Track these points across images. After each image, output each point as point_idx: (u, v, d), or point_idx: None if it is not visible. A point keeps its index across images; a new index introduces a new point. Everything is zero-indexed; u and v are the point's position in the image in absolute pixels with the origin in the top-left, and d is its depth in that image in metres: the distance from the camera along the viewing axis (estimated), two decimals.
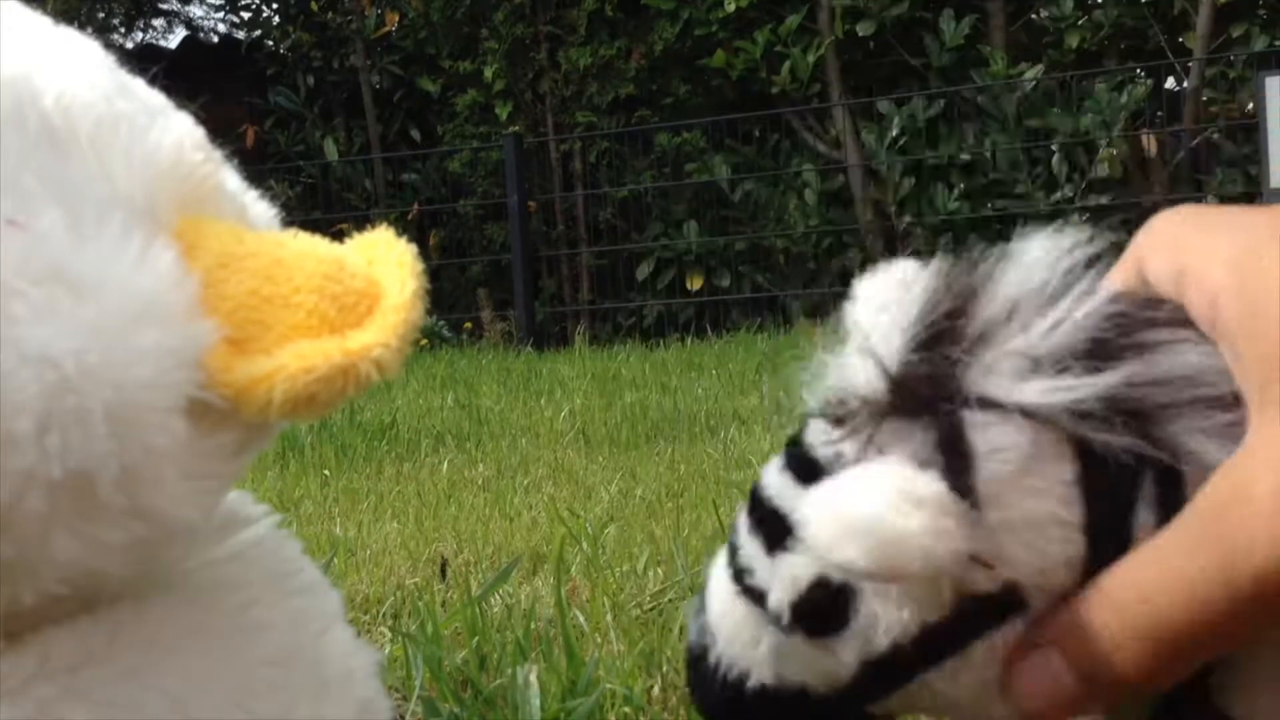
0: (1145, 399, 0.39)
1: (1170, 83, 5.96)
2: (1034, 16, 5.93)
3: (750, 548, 0.44)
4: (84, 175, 0.36)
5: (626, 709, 0.86)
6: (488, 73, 6.17)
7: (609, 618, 1.06)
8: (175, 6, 7.26)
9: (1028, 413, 0.38)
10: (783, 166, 5.91)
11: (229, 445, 0.37)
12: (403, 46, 6.54)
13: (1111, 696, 0.39)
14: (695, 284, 5.88)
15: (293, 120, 6.68)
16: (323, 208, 6.27)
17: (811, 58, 5.79)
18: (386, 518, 1.67)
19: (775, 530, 0.43)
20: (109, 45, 0.43)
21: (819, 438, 0.43)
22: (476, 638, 0.99)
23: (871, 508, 0.37)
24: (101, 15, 6.68)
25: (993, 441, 0.38)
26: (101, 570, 0.35)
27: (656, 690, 0.90)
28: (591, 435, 2.38)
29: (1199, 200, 5.38)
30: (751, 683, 0.44)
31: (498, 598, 1.15)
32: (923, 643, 0.40)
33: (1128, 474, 0.38)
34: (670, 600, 1.11)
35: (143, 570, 0.38)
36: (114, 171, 0.36)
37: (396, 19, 6.48)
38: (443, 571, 1.29)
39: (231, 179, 0.42)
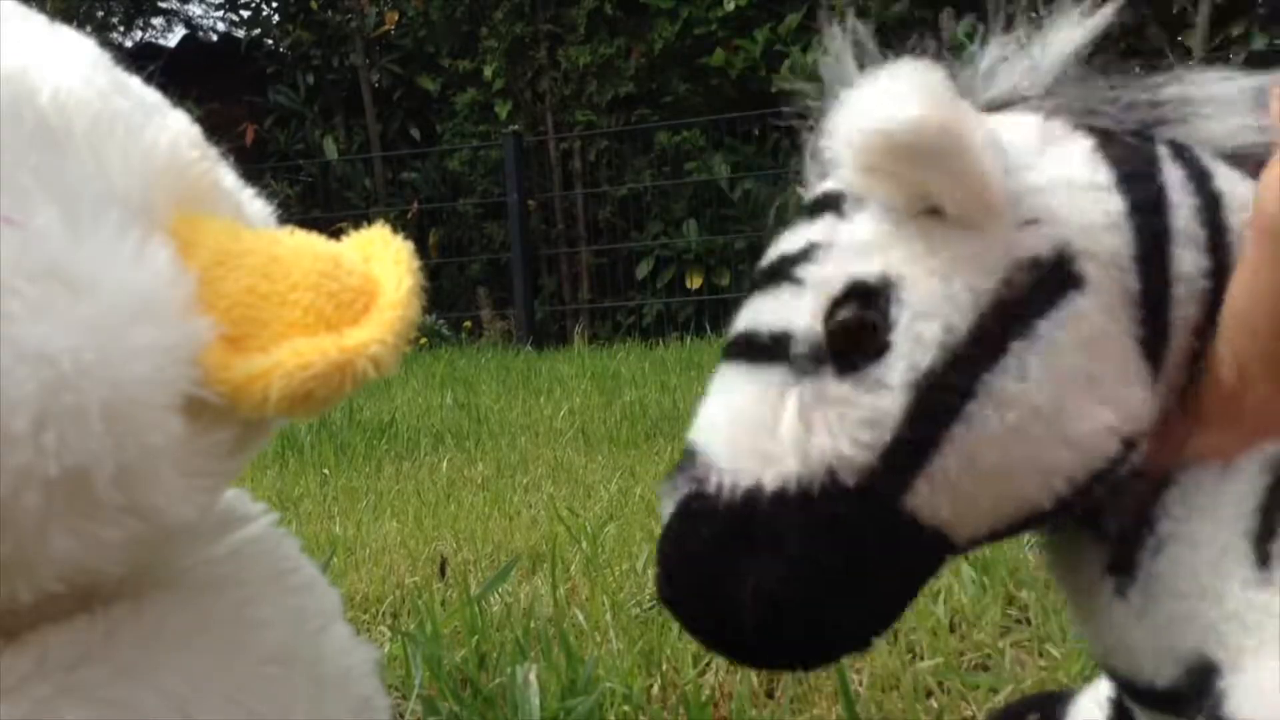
0: (1146, 101, 0.41)
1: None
2: (1033, 14, 5.92)
3: (759, 305, 0.41)
4: (80, 173, 0.36)
5: (626, 708, 0.86)
6: (487, 71, 6.17)
7: (608, 617, 1.06)
8: (174, 5, 7.26)
9: (1037, 106, 0.40)
10: (783, 165, 5.91)
11: (226, 443, 0.37)
12: (402, 45, 6.53)
13: None
14: (695, 283, 5.87)
15: (292, 119, 6.67)
16: (322, 206, 6.27)
17: (811, 57, 5.78)
18: (386, 516, 1.66)
19: (787, 267, 0.40)
20: (108, 44, 0.43)
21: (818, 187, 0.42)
22: (476, 636, 0.99)
23: (901, 91, 0.36)
24: (101, 14, 6.67)
25: (1007, 128, 0.39)
26: (98, 568, 0.35)
27: (656, 689, 0.90)
28: (591, 434, 2.38)
29: None
30: (770, 487, 0.38)
31: (497, 597, 1.15)
32: (981, 332, 0.37)
33: (1141, 147, 0.40)
34: None
35: (140, 568, 0.38)
36: (110, 169, 0.36)
37: (396, 17, 6.48)
38: (442, 570, 1.29)
39: (228, 176, 0.42)
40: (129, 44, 6.79)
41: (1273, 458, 0.38)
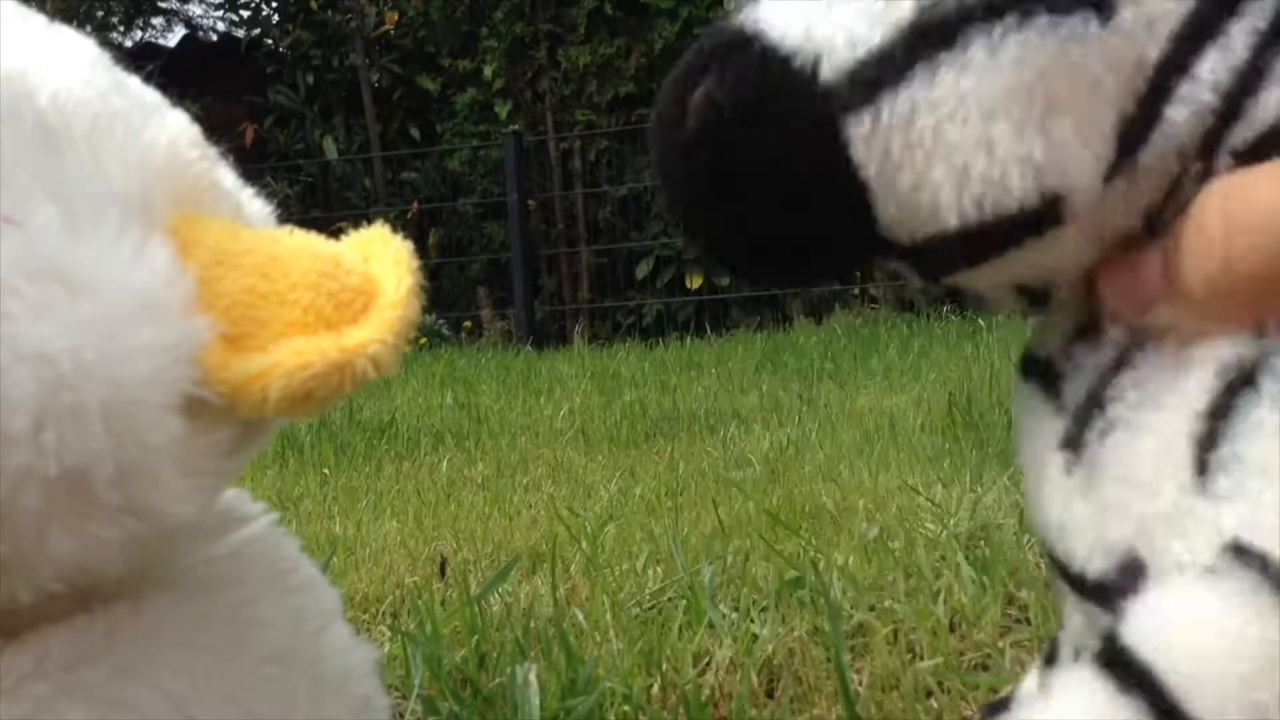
0: None
1: None
2: None
3: None
4: (79, 172, 0.36)
5: (626, 708, 0.86)
6: (487, 71, 6.17)
7: (608, 616, 1.06)
8: (174, 5, 7.26)
9: None
10: None
11: (225, 442, 0.37)
12: (402, 45, 6.53)
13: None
14: (695, 283, 5.87)
15: (292, 118, 6.67)
16: (322, 206, 6.27)
17: None
18: (386, 516, 1.66)
19: None
20: (108, 43, 0.43)
21: None
22: (476, 636, 0.99)
23: None
24: (101, 14, 6.67)
25: None
26: (98, 567, 0.35)
27: (656, 689, 0.90)
28: (591, 434, 2.38)
29: None
30: (768, 37, 0.39)
31: (497, 596, 1.15)
32: None
33: None
34: (670, 599, 1.11)
35: (139, 567, 0.38)
36: (109, 168, 0.36)
37: (396, 17, 6.48)
38: (442, 570, 1.29)
39: (227, 176, 0.42)
40: (129, 44, 6.79)
41: (1229, 362, 0.37)
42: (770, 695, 0.90)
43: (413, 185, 6.46)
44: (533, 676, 0.87)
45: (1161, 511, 0.37)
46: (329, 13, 6.51)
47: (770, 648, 0.94)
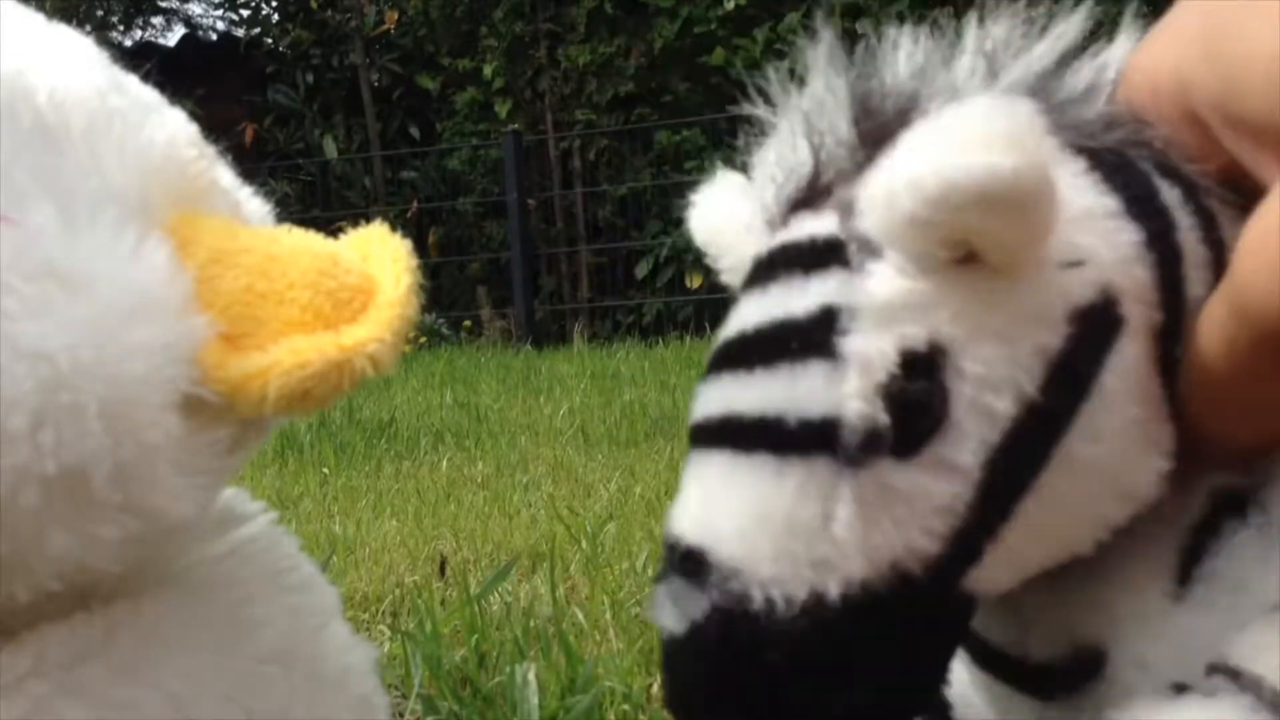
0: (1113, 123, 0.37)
1: None
2: (1031, 14, 5.92)
3: (767, 385, 0.34)
4: (77, 171, 0.36)
5: (625, 707, 0.86)
6: (487, 70, 6.17)
7: (608, 616, 1.06)
8: (174, 4, 7.26)
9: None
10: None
11: (224, 441, 0.37)
12: (402, 44, 6.54)
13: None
14: (695, 282, 5.87)
15: (291, 118, 6.67)
16: (322, 205, 6.27)
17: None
18: (385, 515, 1.66)
19: (805, 337, 0.34)
20: (107, 43, 0.43)
21: (797, 231, 0.36)
22: (475, 636, 0.99)
23: (990, 134, 0.31)
24: (100, 13, 6.67)
25: None
26: (96, 566, 0.35)
27: (655, 688, 0.90)
28: (591, 433, 2.38)
29: None
30: (835, 594, 0.33)
31: (497, 596, 1.15)
32: (1051, 396, 0.33)
33: (1125, 160, 0.37)
34: None
35: (138, 566, 0.38)
36: (107, 167, 0.36)
37: (396, 17, 6.48)
38: (442, 569, 1.29)
39: (225, 175, 0.42)
40: (128, 43, 6.79)
41: (1222, 486, 0.37)
42: None
43: (412, 184, 6.46)
44: (532, 675, 0.87)
45: (1139, 609, 0.37)
46: (329, 12, 6.51)
47: None
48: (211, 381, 0.35)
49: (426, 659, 0.92)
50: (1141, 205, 0.36)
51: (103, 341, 0.32)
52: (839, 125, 0.38)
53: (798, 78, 0.40)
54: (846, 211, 0.35)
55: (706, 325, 5.44)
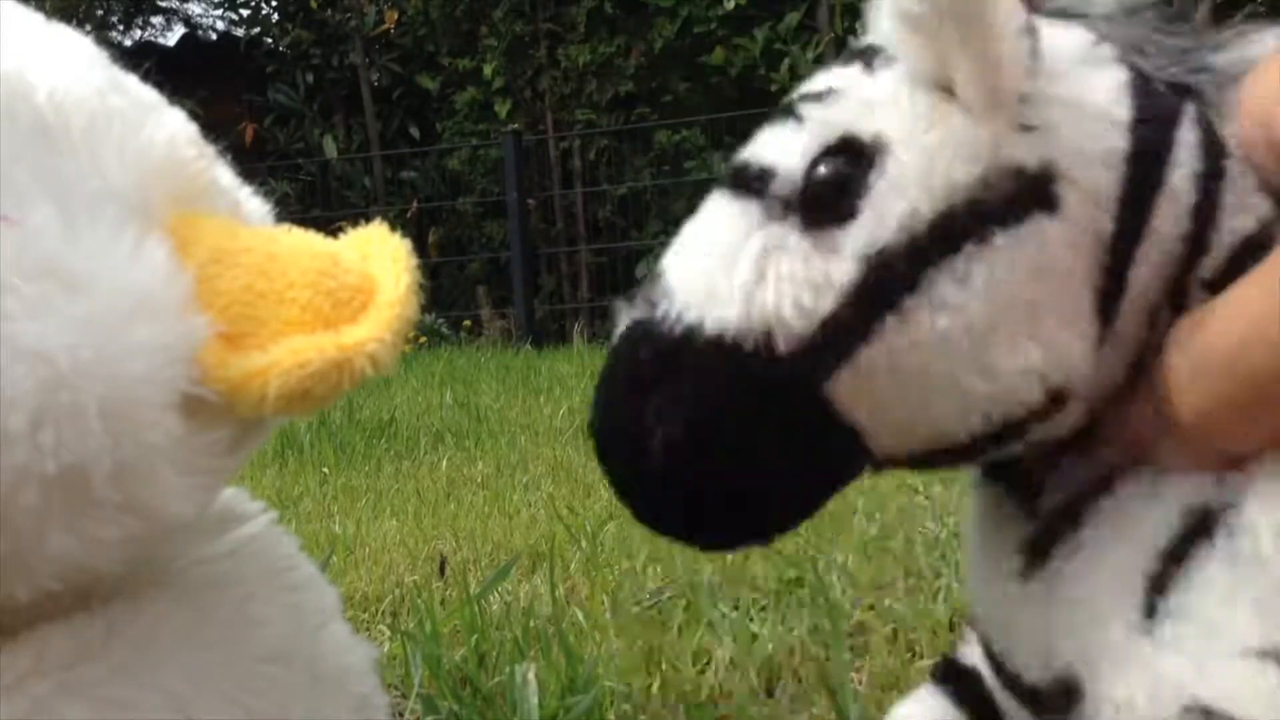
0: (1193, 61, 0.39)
1: None
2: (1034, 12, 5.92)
3: (763, 137, 0.39)
4: (77, 171, 0.36)
5: (625, 706, 0.86)
6: (487, 70, 6.16)
7: (608, 615, 1.06)
8: (174, 4, 7.25)
9: (1092, 26, 0.39)
10: None
11: (224, 441, 0.37)
12: (402, 44, 6.53)
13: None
14: None
15: (291, 118, 6.67)
16: (322, 205, 6.26)
17: (811, 55, 5.78)
18: (385, 515, 1.66)
19: (798, 104, 0.38)
20: (107, 43, 0.43)
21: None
22: (475, 635, 0.98)
23: None
24: (100, 13, 6.67)
25: (1055, 34, 0.38)
26: (96, 566, 0.35)
27: (655, 688, 0.90)
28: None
29: None
30: (708, 330, 0.37)
31: (496, 595, 1.15)
32: (942, 225, 0.35)
33: (1170, 99, 0.38)
34: (669, 598, 1.11)
35: (138, 566, 0.38)
36: (107, 167, 0.36)
37: (396, 16, 6.48)
38: (441, 569, 1.29)
39: (225, 175, 0.42)
40: (128, 43, 6.78)
41: (1193, 504, 0.37)
42: (770, 694, 0.89)
43: (412, 184, 6.45)
44: (532, 675, 0.86)
45: (1108, 643, 0.37)
46: (328, 11, 6.51)
47: (770, 647, 0.94)
48: (211, 381, 0.35)
49: (426, 659, 0.92)
50: (1147, 126, 0.37)
51: (103, 341, 0.32)
52: None
53: None
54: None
55: None
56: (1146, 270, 0.37)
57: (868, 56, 0.40)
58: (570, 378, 3.42)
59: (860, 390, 0.37)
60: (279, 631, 0.42)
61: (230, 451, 0.38)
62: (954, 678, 0.51)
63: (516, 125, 5.96)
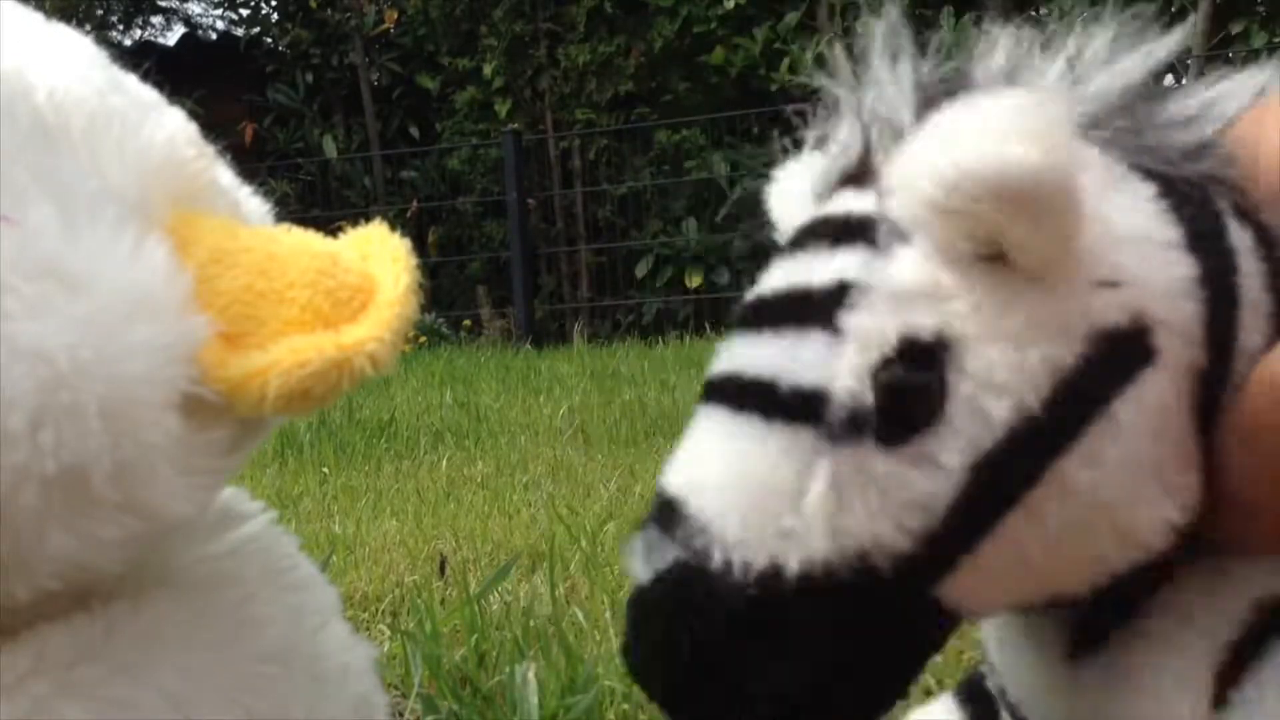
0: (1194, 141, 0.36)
1: (1169, 79, 5.97)
2: (1033, 13, 5.93)
3: (771, 347, 0.34)
4: (76, 170, 0.36)
5: (625, 706, 0.86)
6: (487, 70, 6.17)
7: (608, 615, 1.06)
8: (174, 4, 7.25)
9: (1088, 134, 0.35)
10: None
11: (223, 440, 0.37)
12: (402, 43, 6.54)
13: None
14: (694, 281, 5.87)
15: (291, 117, 6.67)
16: (321, 205, 6.26)
17: (811, 54, 5.78)
18: (385, 515, 1.66)
19: (816, 308, 0.34)
20: (107, 42, 0.43)
21: (840, 206, 0.36)
22: (475, 635, 0.98)
23: (993, 124, 0.30)
24: (100, 12, 6.67)
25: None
26: (96, 566, 0.35)
27: None
28: (590, 433, 2.38)
29: None
30: (793, 570, 0.32)
31: (496, 595, 1.15)
32: (1055, 412, 0.32)
33: (1202, 193, 0.35)
34: None
35: (138, 566, 0.38)
36: (107, 167, 0.36)
37: (395, 16, 6.48)
38: (441, 569, 1.29)
39: (225, 174, 0.42)
40: (128, 42, 6.78)
41: (1263, 597, 0.35)
42: None
43: (412, 184, 6.45)
44: (532, 675, 0.86)
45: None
46: (328, 11, 6.51)
47: None
48: (211, 381, 0.35)
49: (426, 658, 0.92)
50: (1205, 241, 0.34)
51: (102, 341, 0.32)
52: (899, 111, 0.37)
53: (857, 57, 0.39)
54: (885, 193, 0.35)
55: (706, 325, 5.44)
56: (1237, 384, 0.35)
57: (864, 231, 0.35)
58: (570, 377, 3.42)
59: (978, 583, 0.34)
60: (279, 631, 0.42)
61: (230, 451, 0.38)
62: (977, 698, 0.49)
63: (516, 125, 5.96)
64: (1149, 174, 0.35)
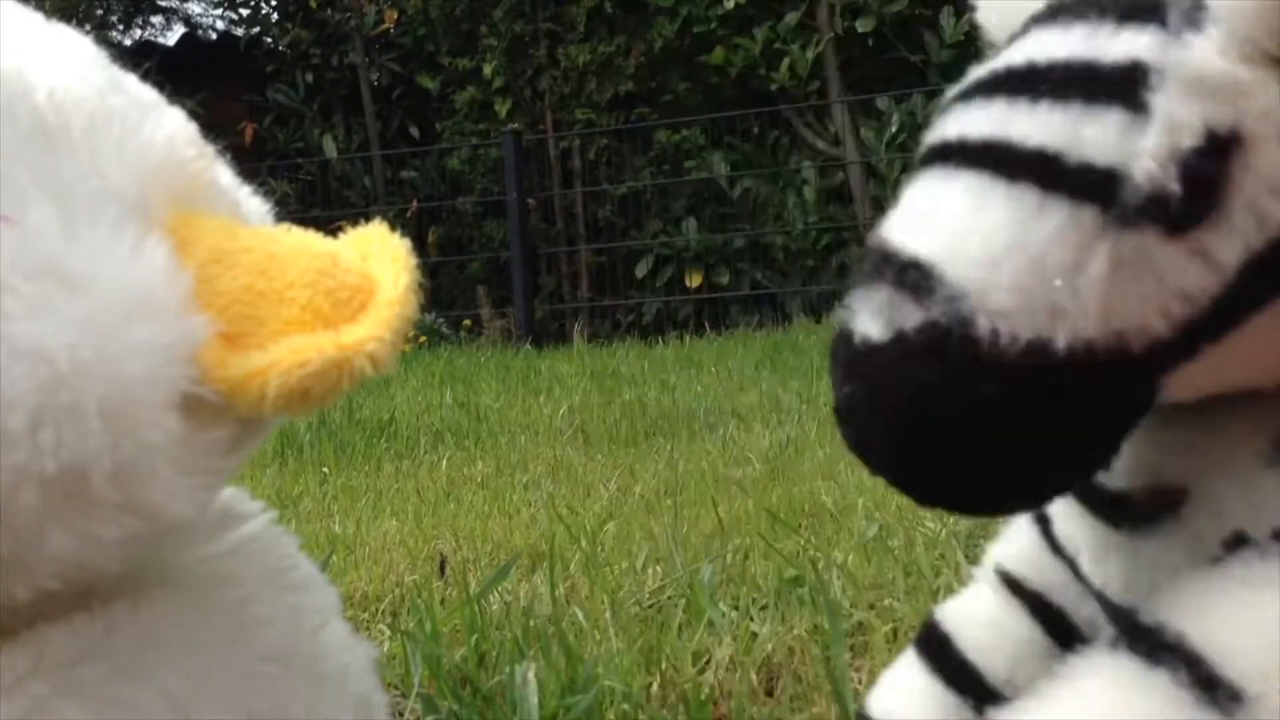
0: None
1: None
2: None
3: (1050, 113, 0.33)
4: (76, 170, 0.36)
5: (625, 706, 0.86)
6: (487, 70, 6.17)
7: (608, 615, 1.06)
8: (174, 4, 7.25)
9: None
10: (782, 163, 5.91)
11: (223, 440, 0.37)
12: (402, 43, 6.53)
13: None
14: (694, 281, 5.87)
15: (291, 117, 6.67)
16: (321, 205, 6.26)
17: (810, 54, 5.78)
18: (385, 515, 1.66)
19: (1108, 82, 0.33)
20: (107, 42, 0.43)
21: None
22: (475, 635, 0.98)
23: None
24: (100, 12, 6.66)
25: None
26: (96, 566, 0.35)
27: (655, 687, 0.90)
28: (590, 433, 2.38)
29: None
30: (1062, 346, 0.32)
31: (496, 595, 1.15)
32: None
33: None
34: (669, 598, 1.11)
35: (138, 566, 0.38)
36: (107, 167, 0.36)
37: (395, 16, 6.48)
38: (441, 569, 1.29)
39: (225, 174, 0.42)
40: (128, 42, 6.78)
41: None
42: (770, 694, 0.89)
43: (412, 184, 6.45)
44: (532, 675, 0.86)
45: (1230, 463, 0.36)
46: (328, 11, 6.51)
47: (770, 646, 0.94)
48: (211, 381, 0.35)
49: (426, 658, 0.92)
50: None
51: (102, 341, 0.32)
52: None
53: None
54: None
55: (706, 325, 5.44)
56: None
57: (1153, 11, 0.34)
58: (570, 377, 3.42)
59: (1203, 373, 0.34)
60: (279, 631, 0.42)
61: (230, 451, 0.38)
62: (932, 643, 0.51)
63: (516, 125, 5.96)
64: None
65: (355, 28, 6.47)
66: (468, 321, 5.94)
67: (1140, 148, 0.32)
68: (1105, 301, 0.32)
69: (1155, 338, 0.33)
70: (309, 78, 6.63)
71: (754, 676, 0.90)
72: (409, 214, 6.20)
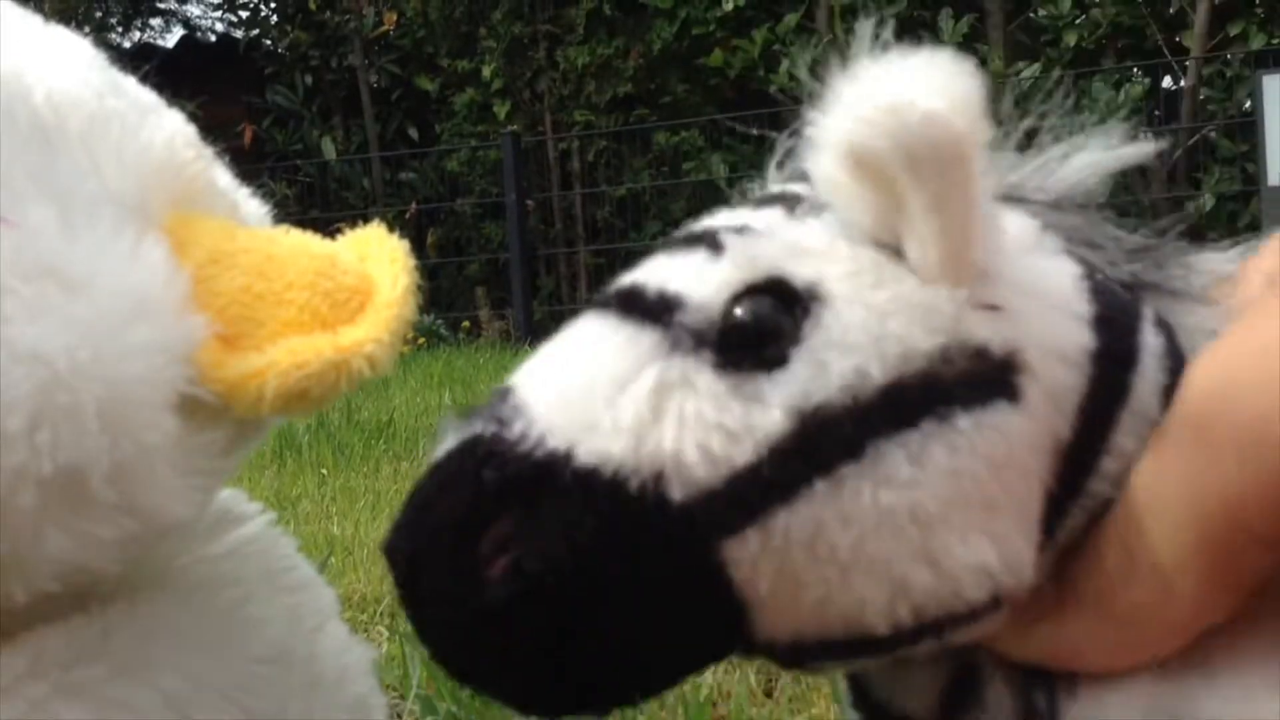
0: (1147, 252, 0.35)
1: (1168, 81, 5.97)
2: (1032, 15, 5.93)
3: (659, 262, 0.34)
4: (75, 172, 0.36)
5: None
6: (486, 72, 6.17)
7: None
8: (173, 5, 7.26)
9: (1040, 211, 0.35)
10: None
11: (221, 441, 0.37)
12: (401, 45, 6.54)
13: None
14: None
15: (290, 119, 6.67)
16: (320, 207, 6.27)
17: (810, 56, 5.79)
18: (384, 516, 1.66)
19: (711, 234, 0.34)
20: (106, 44, 0.43)
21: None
22: None
23: (933, 84, 0.30)
24: (99, 14, 6.67)
25: (1008, 221, 0.34)
26: (94, 566, 0.35)
27: None
28: None
29: (1195, 198, 5.39)
30: (579, 460, 0.31)
31: None
32: (895, 394, 0.31)
33: (1128, 299, 0.34)
34: None
35: (135, 567, 0.38)
36: (105, 168, 0.36)
37: (394, 18, 6.48)
38: None
39: (223, 176, 0.42)
40: (127, 44, 6.79)
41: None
42: (769, 695, 0.90)
43: (411, 185, 6.46)
44: None
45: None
46: (327, 13, 6.51)
47: None
48: (209, 382, 0.35)
49: (424, 660, 0.92)
50: (1112, 326, 0.33)
51: (100, 342, 0.32)
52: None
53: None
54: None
55: None
56: (1104, 483, 0.33)
57: (788, 202, 0.35)
58: None
59: (765, 559, 0.31)
60: (277, 632, 0.42)
61: (228, 452, 0.38)
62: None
63: (515, 127, 5.97)
64: (1083, 262, 0.35)
65: (354, 30, 6.48)
66: (466, 323, 5.95)
67: (706, 277, 0.33)
68: (640, 422, 0.31)
69: (700, 485, 0.31)
70: (308, 80, 6.63)
71: (753, 677, 0.90)
72: (408, 215, 6.20)
